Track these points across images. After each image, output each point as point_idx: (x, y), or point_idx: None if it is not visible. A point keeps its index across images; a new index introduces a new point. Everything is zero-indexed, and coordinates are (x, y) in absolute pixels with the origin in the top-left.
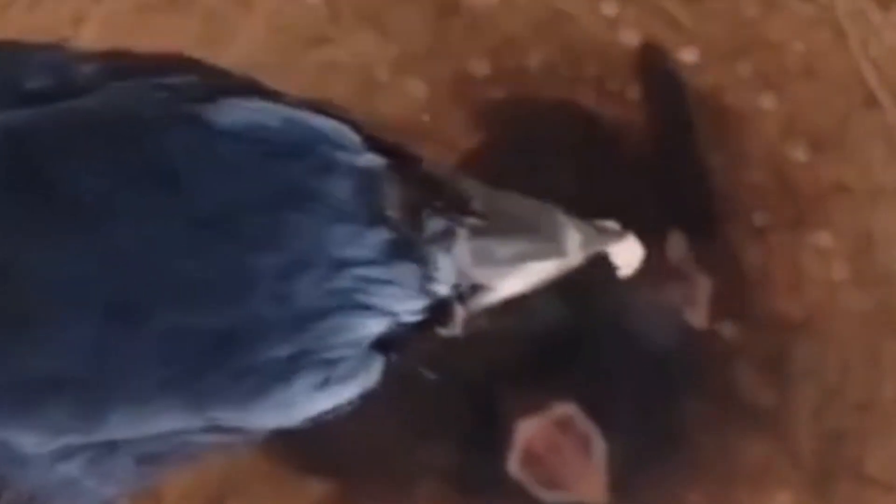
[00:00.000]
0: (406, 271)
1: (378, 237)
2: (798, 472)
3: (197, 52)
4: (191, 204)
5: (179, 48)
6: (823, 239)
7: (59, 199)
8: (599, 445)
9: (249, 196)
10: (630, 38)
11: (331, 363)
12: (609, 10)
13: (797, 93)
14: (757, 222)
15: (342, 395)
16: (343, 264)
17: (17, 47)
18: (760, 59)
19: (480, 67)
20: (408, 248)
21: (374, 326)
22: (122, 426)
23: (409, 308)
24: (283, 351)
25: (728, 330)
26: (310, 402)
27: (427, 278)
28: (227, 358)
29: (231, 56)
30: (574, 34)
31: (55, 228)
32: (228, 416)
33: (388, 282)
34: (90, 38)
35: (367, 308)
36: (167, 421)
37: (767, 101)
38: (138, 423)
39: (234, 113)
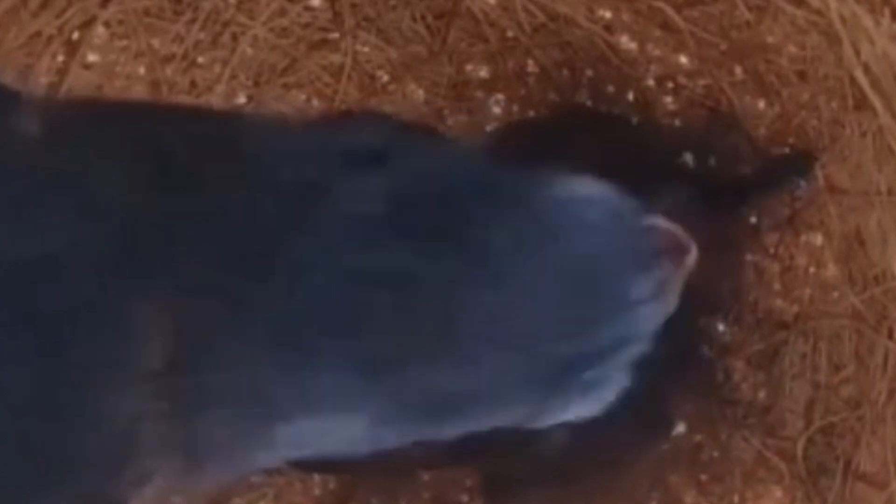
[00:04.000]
0: None
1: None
2: (791, 468)
3: (202, 55)
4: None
5: (184, 51)
6: (816, 239)
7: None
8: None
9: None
10: (626, 41)
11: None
12: (605, 14)
13: (790, 96)
14: (751, 222)
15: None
16: None
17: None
18: (754, 63)
19: (479, 70)
20: None
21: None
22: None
23: None
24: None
25: (722, 327)
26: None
27: None
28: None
29: (235, 58)
30: (571, 38)
31: None
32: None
33: None
34: (98, 40)
35: None
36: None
37: (761, 104)
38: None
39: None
